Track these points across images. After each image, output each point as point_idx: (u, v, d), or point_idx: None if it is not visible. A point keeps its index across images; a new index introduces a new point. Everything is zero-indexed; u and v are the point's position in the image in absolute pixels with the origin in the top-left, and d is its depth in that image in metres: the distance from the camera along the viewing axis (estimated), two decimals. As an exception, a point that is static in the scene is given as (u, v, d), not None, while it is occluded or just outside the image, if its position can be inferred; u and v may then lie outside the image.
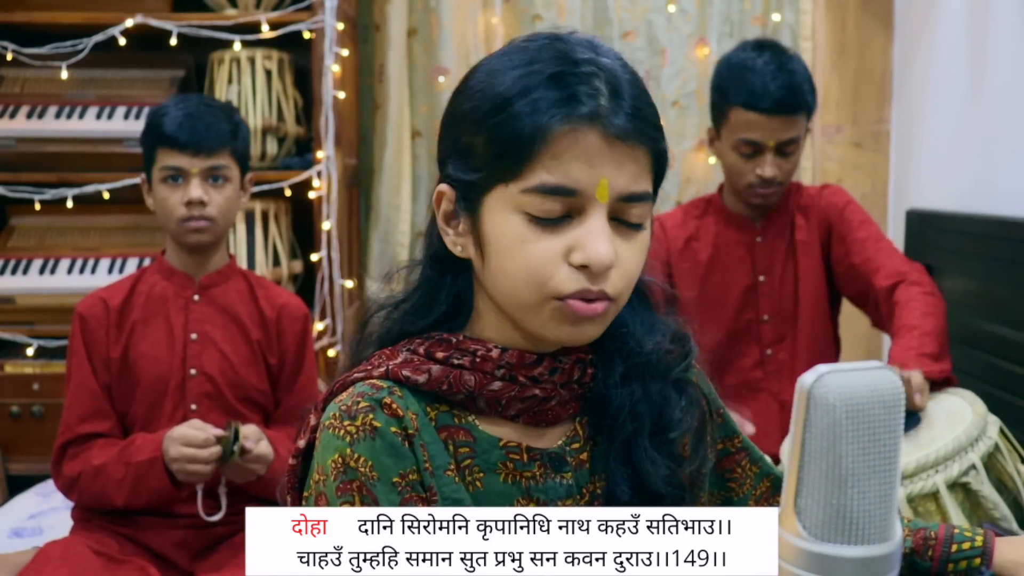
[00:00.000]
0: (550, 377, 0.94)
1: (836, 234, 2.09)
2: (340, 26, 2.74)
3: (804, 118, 2.00)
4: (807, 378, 0.68)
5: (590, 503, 0.96)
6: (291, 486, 0.96)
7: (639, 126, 0.88)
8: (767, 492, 1.11)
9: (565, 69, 0.87)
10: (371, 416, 0.88)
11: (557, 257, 0.87)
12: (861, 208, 2.13)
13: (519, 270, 0.88)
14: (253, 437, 1.74)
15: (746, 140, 1.98)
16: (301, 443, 0.95)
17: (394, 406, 0.89)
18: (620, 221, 0.89)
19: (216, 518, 1.80)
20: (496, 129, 0.88)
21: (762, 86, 1.94)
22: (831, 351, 2.18)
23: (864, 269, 2.01)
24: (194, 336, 1.87)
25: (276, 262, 2.82)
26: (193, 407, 1.85)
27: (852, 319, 2.26)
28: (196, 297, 1.89)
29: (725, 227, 2.15)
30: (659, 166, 0.92)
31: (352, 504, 0.86)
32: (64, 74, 2.73)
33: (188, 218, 1.82)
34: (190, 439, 1.70)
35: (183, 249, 1.89)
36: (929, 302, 1.87)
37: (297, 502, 0.96)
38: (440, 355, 0.93)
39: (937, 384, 1.73)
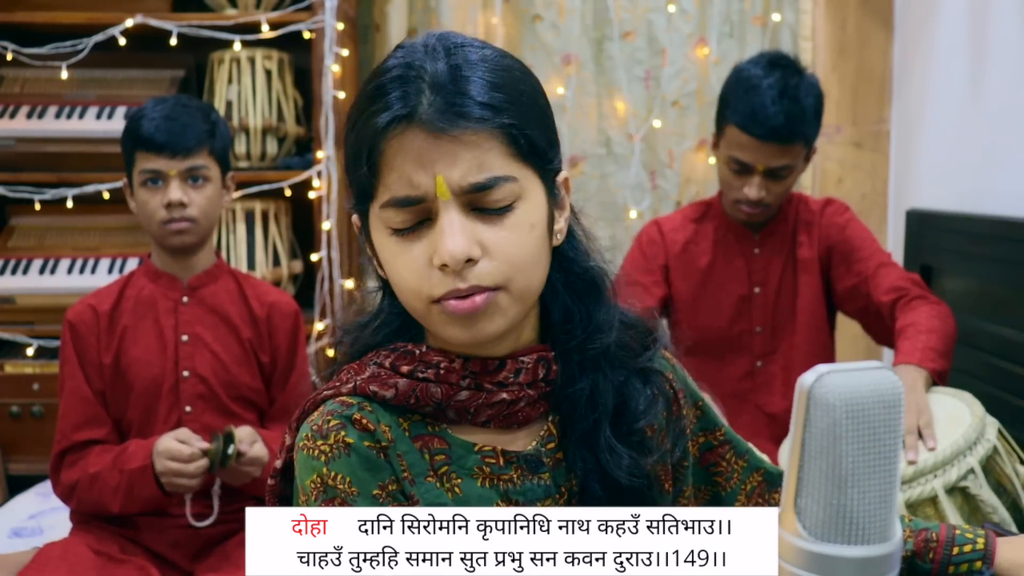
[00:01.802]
0: (515, 379, 0.94)
1: (838, 254, 2.08)
2: (340, 26, 2.74)
3: (801, 146, 1.97)
4: (807, 378, 0.68)
5: (568, 501, 0.96)
6: (272, 506, 0.97)
7: (465, 113, 0.85)
8: (759, 487, 1.10)
9: (398, 76, 0.88)
10: (343, 433, 0.89)
11: (424, 263, 0.87)
12: (863, 225, 2.13)
13: (400, 283, 0.90)
14: (247, 440, 1.74)
15: (736, 159, 1.98)
16: (278, 463, 0.96)
17: (364, 421, 0.90)
18: (481, 210, 0.87)
19: (206, 523, 1.80)
20: (353, 144, 0.90)
21: (761, 111, 1.91)
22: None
23: (865, 287, 2.02)
24: (185, 338, 1.87)
25: (276, 262, 2.82)
26: (188, 409, 1.85)
27: (852, 321, 2.26)
28: (185, 299, 1.89)
29: (724, 235, 2.15)
30: (517, 140, 0.88)
31: None
32: (64, 74, 2.73)
33: (169, 220, 1.81)
34: (175, 453, 1.70)
35: (167, 252, 1.88)
36: (934, 309, 1.88)
37: None
38: (405, 368, 0.93)
39: (940, 379, 1.74)
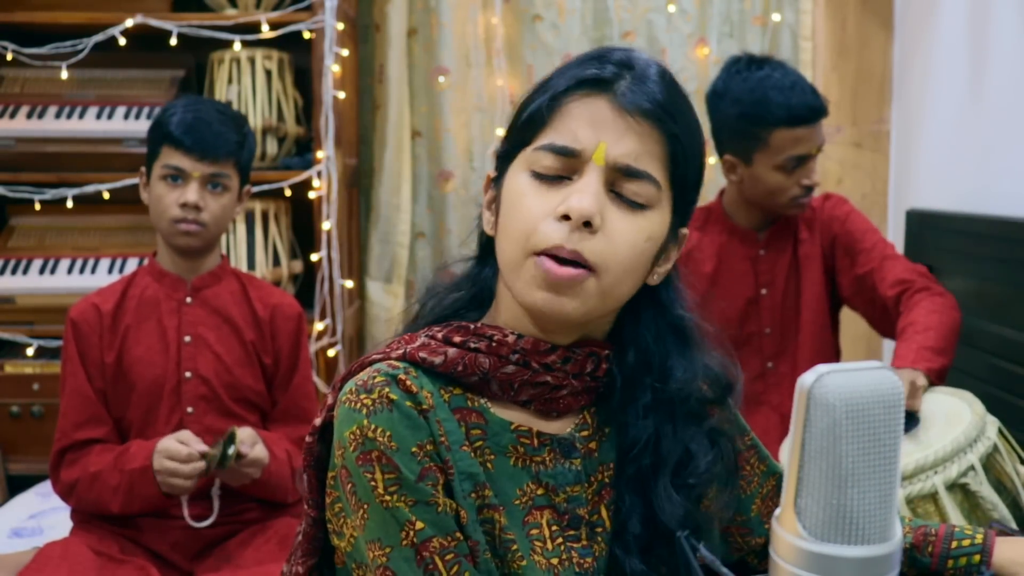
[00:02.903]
0: (562, 366, 0.95)
1: (840, 246, 2.08)
2: (340, 26, 2.74)
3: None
4: (807, 378, 0.68)
5: (598, 491, 0.97)
6: (307, 463, 0.97)
7: (652, 106, 0.91)
8: (773, 491, 1.12)
9: (601, 54, 0.96)
10: (387, 389, 0.90)
11: (548, 211, 0.91)
12: (863, 216, 2.12)
13: (515, 223, 0.92)
14: (248, 441, 1.74)
15: (793, 157, 1.96)
16: (318, 421, 0.96)
17: (408, 383, 0.91)
18: (618, 194, 0.91)
19: (205, 524, 1.79)
20: (530, 101, 0.96)
21: (798, 100, 1.94)
22: (833, 362, 2.17)
23: (870, 280, 2.01)
24: (188, 339, 1.87)
25: (276, 262, 2.82)
26: (189, 410, 1.85)
27: (852, 320, 2.26)
28: (188, 299, 1.88)
29: (728, 239, 2.13)
30: (676, 158, 0.93)
31: (372, 474, 0.87)
32: (64, 74, 2.74)
33: (181, 219, 1.81)
34: (173, 453, 1.70)
35: (173, 250, 1.88)
36: (936, 301, 1.88)
37: (313, 480, 0.96)
38: (457, 339, 0.95)
39: (938, 377, 1.74)
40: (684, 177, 0.95)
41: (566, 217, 0.89)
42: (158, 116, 1.87)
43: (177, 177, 1.82)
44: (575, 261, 0.89)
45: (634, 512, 0.96)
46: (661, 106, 0.91)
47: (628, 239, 0.91)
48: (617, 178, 0.91)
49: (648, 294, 0.99)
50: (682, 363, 0.99)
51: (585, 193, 0.89)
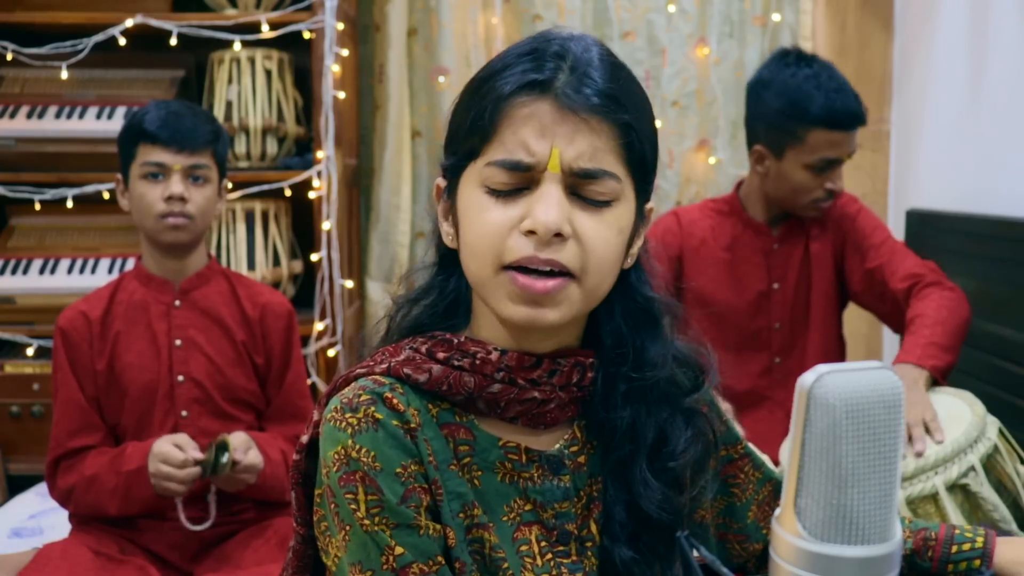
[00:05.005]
0: (549, 379, 0.93)
1: (850, 242, 2.09)
2: (340, 26, 2.74)
3: None
4: (807, 378, 0.68)
5: (587, 506, 0.96)
6: (295, 481, 0.96)
7: (599, 99, 0.88)
8: (769, 497, 1.11)
9: (535, 48, 0.91)
10: (372, 408, 0.89)
11: (511, 225, 0.88)
12: (873, 214, 2.13)
13: (477, 239, 0.90)
14: (242, 447, 1.73)
15: (825, 158, 1.97)
16: (304, 438, 0.95)
17: (395, 401, 0.90)
18: (580, 196, 0.89)
19: (202, 527, 1.79)
20: (470, 107, 0.92)
21: (842, 104, 1.93)
22: (839, 360, 2.17)
23: (880, 275, 2.02)
24: (178, 342, 1.86)
25: (276, 262, 2.82)
26: (184, 414, 1.84)
27: (852, 319, 2.26)
28: (177, 302, 1.88)
29: (743, 231, 2.13)
30: (631, 145, 0.90)
31: (355, 495, 0.86)
32: (64, 74, 2.74)
33: (167, 214, 1.80)
34: (168, 457, 1.70)
35: (159, 251, 1.87)
36: (945, 296, 1.88)
37: (301, 497, 0.96)
38: (441, 355, 0.93)
39: (942, 376, 1.74)
40: (642, 160, 0.92)
41: (532, 231, 0.86)
42: (129, 120, 1.86)
43: (158, 174, 1.81)
44: (552, 270, 0.87)
45: (618, 500, 0.95)
46: (607, 96, 0.88)
47: (601, 238, 0.89)
48: (576, 182, 0.88)
49: (618, 277, 0.96)
50: (653, 347, 0.98)
51: (548, 205, 0.86)
